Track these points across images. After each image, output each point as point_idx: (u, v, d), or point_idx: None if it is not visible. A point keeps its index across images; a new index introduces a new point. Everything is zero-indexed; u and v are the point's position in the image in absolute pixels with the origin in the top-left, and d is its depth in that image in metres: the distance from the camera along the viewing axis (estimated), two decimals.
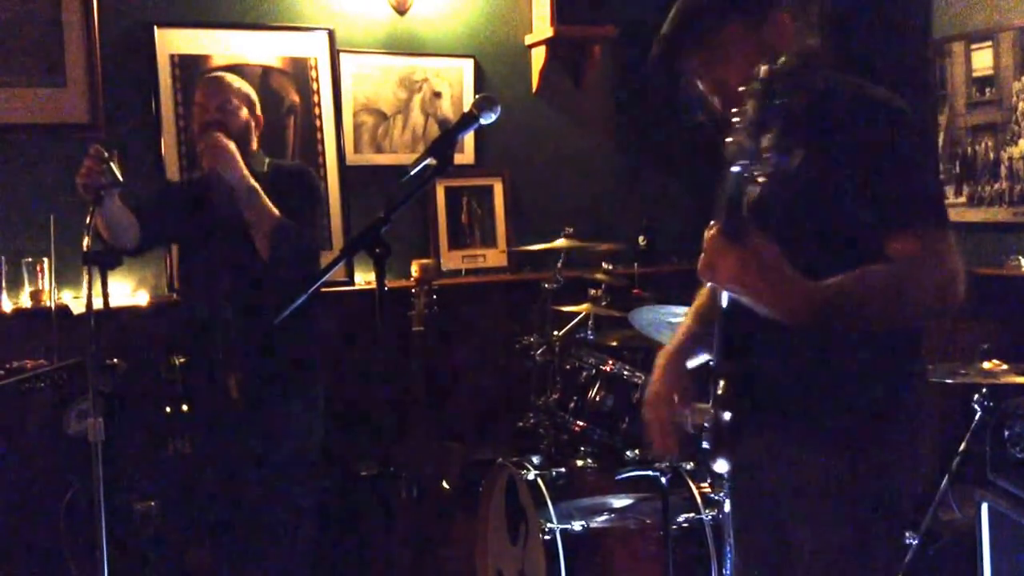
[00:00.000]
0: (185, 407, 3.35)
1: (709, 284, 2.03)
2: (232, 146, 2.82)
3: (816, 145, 1.67)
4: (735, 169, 1.55)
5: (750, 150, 1.50)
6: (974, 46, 3.80)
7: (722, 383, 1.73)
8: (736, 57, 1.78)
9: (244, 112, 2.96)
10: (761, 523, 1.94)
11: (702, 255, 1.63)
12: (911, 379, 1.84)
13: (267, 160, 3.04)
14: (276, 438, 2.92)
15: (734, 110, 1.53)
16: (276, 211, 2.81)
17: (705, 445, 1.83)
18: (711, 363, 1.89)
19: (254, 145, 3.01)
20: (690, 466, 3.04)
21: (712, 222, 1.65)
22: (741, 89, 1.52)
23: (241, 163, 2.82)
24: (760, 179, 1.52)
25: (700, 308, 2.08)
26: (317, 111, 3.99)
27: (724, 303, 1.73)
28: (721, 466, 1.81)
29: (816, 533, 1.81)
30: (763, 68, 1.50)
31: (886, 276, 1.62)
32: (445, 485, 3.57)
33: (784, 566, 1.89)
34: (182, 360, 3.34)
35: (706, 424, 1.84)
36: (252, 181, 2.82)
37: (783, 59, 1.50)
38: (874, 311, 1.63)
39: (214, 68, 3.77)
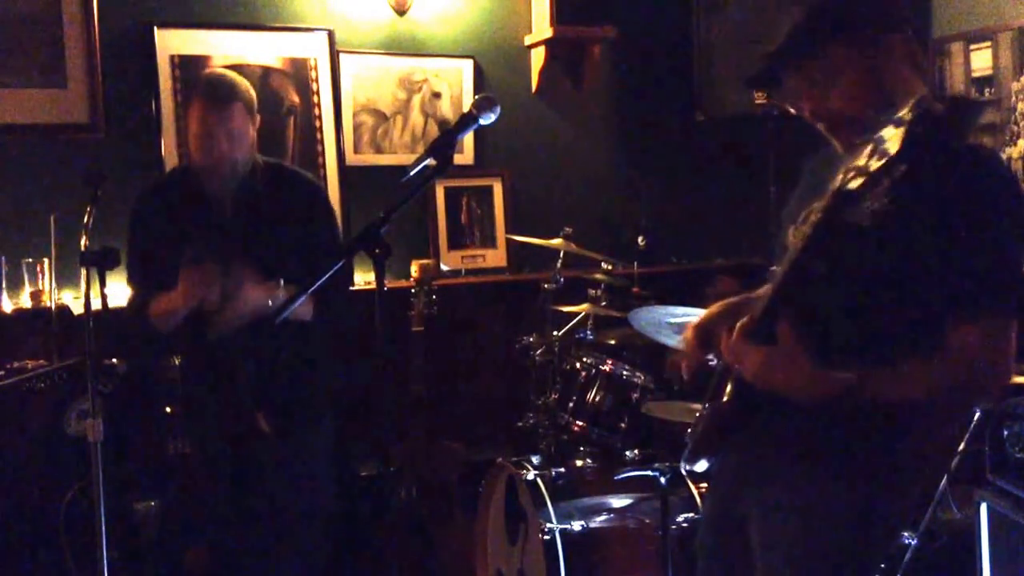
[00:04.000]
0: (168, 408, 3.35)
1: None
2: (220, 299, 2.61)
3: (911, 206, 1.55)
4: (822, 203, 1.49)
5: (869, 186, 1.42)
6: (973, 46, 3.80)
7: (729, 387, 1.72)
8: (842, 82, 1.66)
9: (251, 129, 2.72)
10: (726, 545, 1.92)
11: (725, 342, 1.66)
12: (927, 412, 1.74)
13: (260, 158, 2.81)
14: (296, 456, 2.84)
15: (858, 141, 1.46)
16: (308, 306, 2.65)
17: (689, 442, 1.83)
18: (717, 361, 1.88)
19: (252, 152, 2.79)
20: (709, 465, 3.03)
21: (740, 322, 1.64)
22: (882, 118, 1.43)
23: (248, 301, 2.60)
24: (866, 212, 1.44)
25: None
26: (317, 111, 4.00)
27: None
28: (700, 465, 1.81)
29: (784, 560, 1.76)
30: (914, 110, 1.39)
31: (931, 375, 1.59)
32: (445, 485, 3.57)
33: None
34: (181, 360, 3.33)
35: (694, 421, 1.84)
36: (268, 304, 2.60)
37: (934, 104, 1.40)
38: (906, 402, 1.63)
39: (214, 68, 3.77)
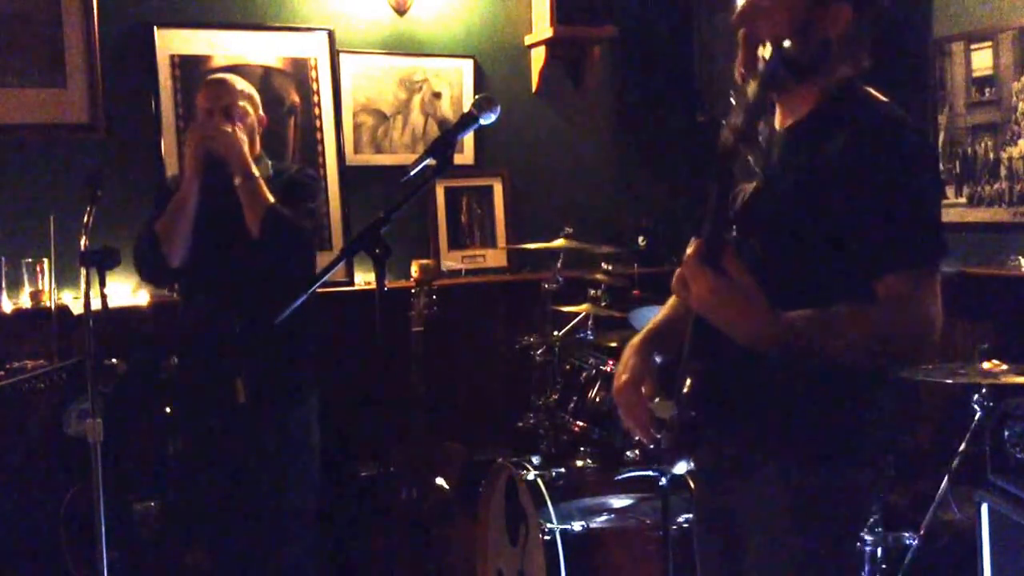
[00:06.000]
0: (168, 408, 3.36)
1: None
2: (238, 132, 2.84)
3: (823, 160, 1.61)
4: (723, 163, 1.51)
5: (743, 132, 1.46)
6: (974, 46, 3.79)
7: (688, 381, 1.69)
8: (782, 16, 1.65)
9: (251, 115, 2.97)
10: (717, 538, 1.91)
11: (678, 271, 1.62)
12: (883, 388, 1.77)
13: (270, 164, 3.04)
14: (277, 439, 2.92)
15: (731, 93, 1.48)
16: (271, 197, 2.84)
17: (664, 444, 1.80)
18: (679, 359, 1.87)
19: (257, 148, 3.01)
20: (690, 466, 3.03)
21: (693, 238, 1.62)
22: (741, 71, 1.49)
23: (245, 149, 2.84)
24: (752, 168, 1.48)
25: (676, 302, 2.04)
26: (317, 111, 4.00)
27: None
28: (680, 468, 1.77)
29: (770, 548, 1.75)
30: (769, 49, 1.44)
31: (864, 321, 1.56)
32: (445, 485, 3.57)
33: None
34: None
35: (667, 422, 1.81)
36: (253, 168, 2.84)
37: (789, 44, 1.43)
38: (844, 352, 1.57)
39: (214, 68, 3.77)
